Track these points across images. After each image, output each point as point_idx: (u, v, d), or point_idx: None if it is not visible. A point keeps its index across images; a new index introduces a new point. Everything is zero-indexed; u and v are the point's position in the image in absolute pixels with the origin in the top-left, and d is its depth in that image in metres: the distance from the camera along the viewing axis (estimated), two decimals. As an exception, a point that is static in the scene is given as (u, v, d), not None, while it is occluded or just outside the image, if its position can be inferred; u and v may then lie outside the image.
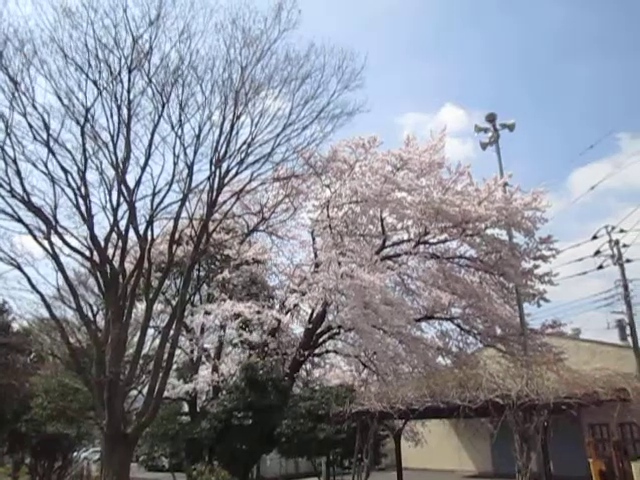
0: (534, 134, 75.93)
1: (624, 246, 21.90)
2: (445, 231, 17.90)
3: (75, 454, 24.76)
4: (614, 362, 17.95)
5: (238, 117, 14.15)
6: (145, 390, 13.84)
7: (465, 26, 78.45)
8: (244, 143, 14.31)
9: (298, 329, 20.21)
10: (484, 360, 17.92)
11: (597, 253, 21.99)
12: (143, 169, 13.34)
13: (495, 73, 78.50)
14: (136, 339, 13.97)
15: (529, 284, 18.74)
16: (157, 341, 14.61)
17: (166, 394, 16.13)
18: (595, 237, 22.20)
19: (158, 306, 18.60)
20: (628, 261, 21.95)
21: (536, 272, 18.61)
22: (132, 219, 13.41)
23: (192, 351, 18.49)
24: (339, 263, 16.35)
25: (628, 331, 22.23)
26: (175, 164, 13.71)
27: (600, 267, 22.01)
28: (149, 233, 13.73)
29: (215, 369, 17.55)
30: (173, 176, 13.68)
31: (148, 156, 13.36)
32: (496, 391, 10.90)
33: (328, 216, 17.99)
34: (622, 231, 21.68)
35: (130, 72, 12.88)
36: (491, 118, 19.78)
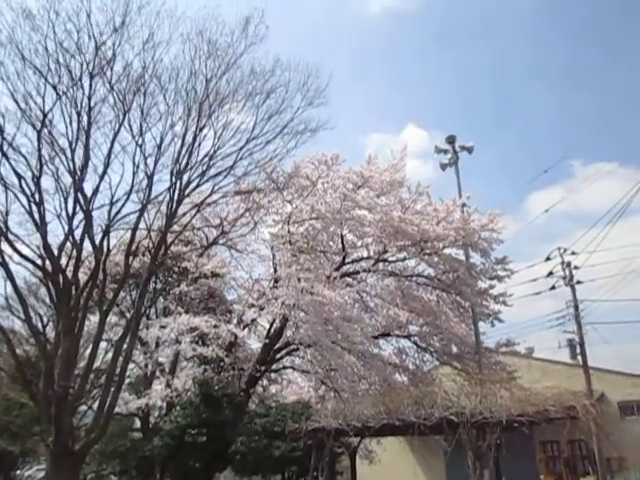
0: (494, 157, 78.07)
1: (575, 268, 22.66)
2: (404, 249, 18.10)
3: (18, 472, 23.74)
4: (564, 380, 18.39)
5: (201, 129, 14.10)
6: (95, 405, 13.43)
7: (432, 51, 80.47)
8: (206, 155, 14.24)
9: (255, 344, 20.02)
10: (440, 378, 18.10)
11: (550, 274, 22.69)
12: (101, 177, 13.11)
13: (459, 95, 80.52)
14: (88, 352, 13.57)
15: (484, 304, 19.08)
16: (110, 354, 14.24)
17: (117, 409, 15.69)
18: (548, 258, 22.95)
19: (112, 318, 18.19)
20: (579, 282, 22.71)
21: (491, 292, 18.98)
22: (88, 228, 13.11)
23: (146, 365, 18.06)
24: (299, 279, 16.30)
25: (578, 350, 22.91)
26: (135, 174, 13.54)
27: (552, 288, 22.69)
28: (105, 243, 13.45)
29: (169, 384, 17.16)
30: (132, 186, 13.48)
31: (107, 164, 13.13)
32: (451, 409, 11.00)
33: (289, 231, 17.96)
34: (574, 253, 22.45)
35: (92, 78, 12.69)
36: (451, 140, 20.22)
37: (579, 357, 22.98)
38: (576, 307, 22.39)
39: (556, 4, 75.83)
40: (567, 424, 11.00)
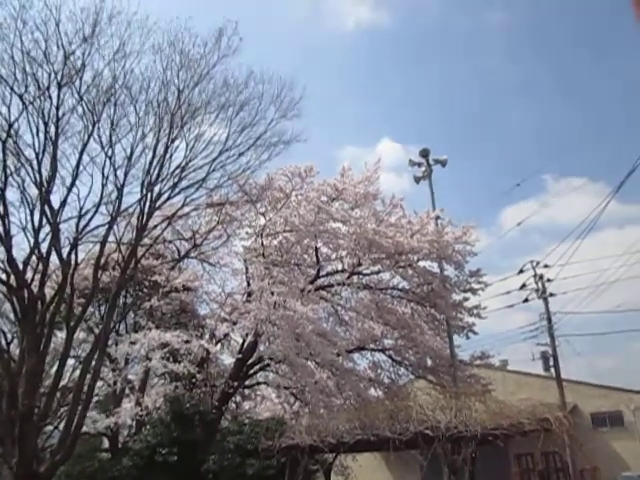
0: (470, 170, 79.27)
1: (548, 280, 23.07)
2: (378, 262, 18.19)
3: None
4: (538, 392, 18.68)
5: (173, 140, 14.02)
6: (62, 425, 13.10)
7: (408, 67, 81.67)
8: (178, 167, 14.15)
9: (228, 360, 19.85)
10: (415, 391, 18.14)
11: (523, 287, 23.05)
12: (69, 189, 12.89)
13: (435, 110, 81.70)
14: (54, 370, 13.26)
15: (459, 316, 19.22)
16: (77, 372, 13.94)
17: (85, 429, 15.33)
18: (521, 271, 23.31)
19: (80, 334, 17.82)
20: (551, 295, 23.10)
21: (466, 304, 19.13)
22: (55, 241, 12.84)
23: (115, 383, 17.73)
24: (272, 292, 16.24)
25: (551, 362, 23.23)
26: (104, 185, 13.35)
27: (526, 300, 23.04)
28: (73, 257, 13.19)
29: (139, 402, 16.86)
30: (101, 198, 13.30)
31: (75, 176, 12.93)
32: (426, 423, 11.04)
33: (262, 244, 17.91)
34: (546, 266, 22.85)
35: (60, 88, 12.52)
36: (424, 153, 20.46)
37: (552, 369, 23.31)
38: (549, 319, 22.78)
39: (529, 23, 77.90)
40: (541, 436, 11.13)
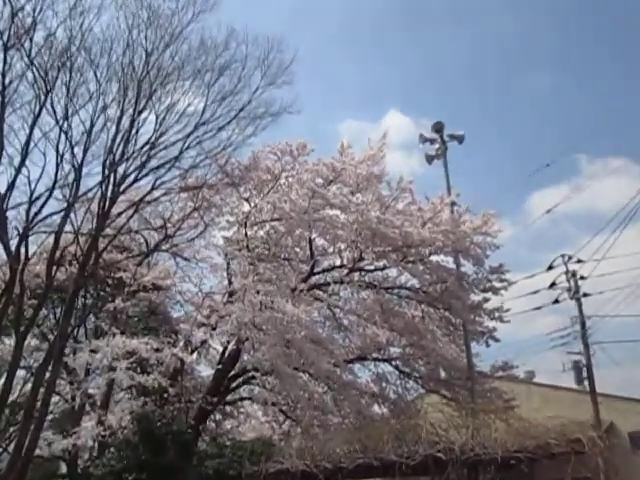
0: (487, 150, 79.03)
1: (581, 278, 23.09)
2: (383, 256, 18.22)
3: None
4: (569, 409, 18.76)
5: (140, 112, 14.05)
6: (11, 447, 13.19)
7: (421, 32, 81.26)
8: (146, 143, 14.19)
9: (206, 371, 19.93)
10: (425, 408, 18.30)
11: (553, 285, 23.07)
12: (18, 170, 12.92)
13: (450, 80, 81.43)
14: (2, 382, 13.32)
15: (478, 320, 19.31)
16: (29, 385, 14.00)
17: (38, 452, 15.41)
18: (551, 267, 23.33)
19: (31, 341, 17.86)
20: (585, 295, 23.13)
21: (486, 306, 19.19)
22: (1, 232, 12.87)
23: (73, 398, 17.78)
24: (257, 292, 16.29)
25: (585, 374, 23.37)
26: (59, 165, 13.41)
27: (556, 301, 23.09)
28: (22, 250, 13.22)
29: (101, 420, 16.91)
30: (56, 180, 13.34)
31: (25, 154, 12.98)
32: (438, 444, 11.18)
33: (246, 235, 17.92)
34: (580, 261, 22.88)
35: (6, 51, 12.53)
36: (438, 128, 20.49)
37: (586, 382, 23.46)
38: (582, 324, 22.86)
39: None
40: (572, 460, 11.26)
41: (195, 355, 18.16)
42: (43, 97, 12.98)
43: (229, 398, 19.50)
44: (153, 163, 14.38)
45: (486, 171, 76.22)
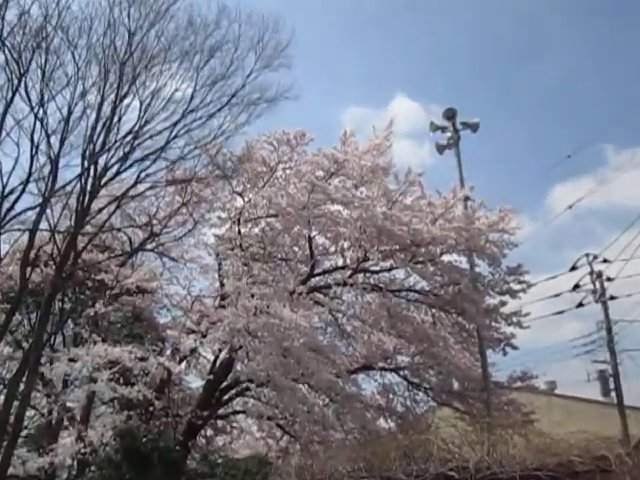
0: (504, 140, 78.85)
1: (608, 279, 23.13)
2: (390, 256, 18.24)
3: None
4: (594, 423, 18.78)
5: (122, 98, 14.08)
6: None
7: (432, 2, 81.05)
8: (129, 132, 14.21)
9: (196, 382, 19.94)
10: (436, 422, 18.30)
11: (576, 288, 23.12)
12: (-11, 162, 12.92)
13: (455, 64, 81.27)
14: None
15: (494, 325, 19.34)
16: (1, 397, 14.02)
17: (12, 470, 15.45)
18: (574, 268, 23.40)
19: (4, 349, 17.88)
20: (613, 298, 23.18)
21: (502, 310, 19.24)
22: (-30, 230, 12.91)
23: (50, 411, 17.78)
24: (252, 295, 16.32)
25: (612, 384, 23.40)
26: (34, 157, 13.41)
27: (580, 305, 23.14)
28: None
29: (81, 436, 16.95)
30: (30, 173, 13.36)
31: (-4, 145, 12.96)
32: (450, 462, 11.15)
33: (239, 233, 17.96)
34: (606, 261, 22.91)
35: (-25, 31, 12.52)
36: (450, 115, 20.51)
37: (612, 393, 23.50)
38: (609, 330, 22.91)
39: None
40: (597, 479, 11.25)
41: (184, 365, 18.20)
42: (16, 81, 13.01)
43: (221, 412, 19.50)
44: (137, 154, 14.42)
45: (502, 163, 76.16)
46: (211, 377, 17.81)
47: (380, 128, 19.07)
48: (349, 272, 18.33)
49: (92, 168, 13.94)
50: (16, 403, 13.06)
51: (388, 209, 17.78)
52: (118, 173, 14.50)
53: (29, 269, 14.01)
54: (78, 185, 13.97)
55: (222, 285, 18.16)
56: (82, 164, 13.88)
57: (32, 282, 15.27)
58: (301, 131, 18.35)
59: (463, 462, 11.00)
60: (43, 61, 13.25)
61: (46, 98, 13.42)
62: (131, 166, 14.57)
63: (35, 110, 13.37)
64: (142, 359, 16.25)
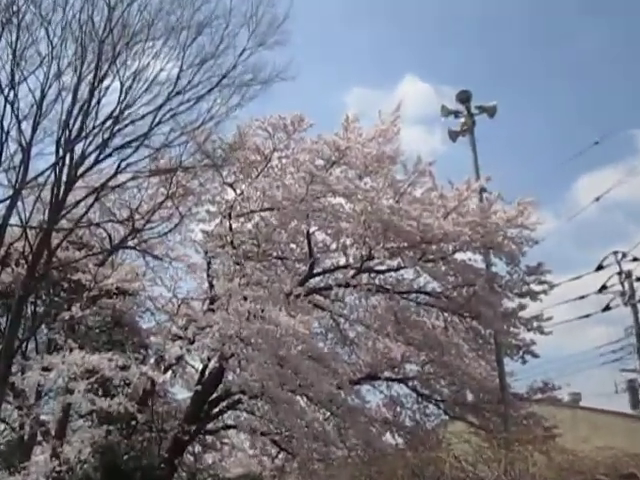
0: (523, 126, 78.65)
1: (638, 280, 23.09)
2: (397, 254, 18.22)
3: None
4: (623, 438, 18.79)
5: (101, 79, 14.04)
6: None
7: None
8: (109, 117, 14.18)
9: (183, 394, 19.92)
10: (449, 438, 18.28)
11: (603, 289, 23.08)
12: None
13: (469, 40, 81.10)
14: None
15: (512, 331, 19.33)
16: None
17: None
18: (601, 267, 23.35)
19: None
20: (643, 300, 23.13)
21: (522, 314, 19.21)
22: None
23: (22, 425, 17.76)
24: (244, 298, 16.31)
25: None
26: (3, 144, 13.37)
27: (607, 308, 23.10)
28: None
29: (56, 452, 16.96)
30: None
31: (-39, 131, 12.94)
32: (464, 481, 11.17)
33: (230, 229, 17.93)
34: (635, 260, 22.87)
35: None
36: (464, 97, 20.51)
37: (644, 405, 23.51)
38: (638, 335, 22.88)
39: None
40: (626, 500, 11.26)
41: (169, 374, 18.14)
42: (-17, 60, 13.00)
43: (210, 426, 19.51)
44: (117, 141, 14.39)
45: (522, 151, 75.86)
46: (199, 388, 17.81)
47: (387, 112, 18.98)
48: (352, 272, 18.30)
49: (68, 157, 13.92)
50: (-16, 416, 13.05)
51: (395, 202, 17.77)
52: (96, 162, 14.47)
53: (-2, 268, 14.00)
54: (52, 175, 13.95)
55: (211, 286, 18.15)
56: (57, 152, 13.86)
57: (2, 283, 15.27)
58: (299, 116, 18.30)
59: (478, 481, 11.02)
60: (14, 39, 13.24)
61: (17, 79, 13.42)
62: (111, 154, 14.54)
63: (5, 93, 13.36)
64: (123, 368, 16.24)
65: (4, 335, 14.72)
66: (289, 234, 18.76)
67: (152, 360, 18.65)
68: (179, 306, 18.98)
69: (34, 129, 13.55)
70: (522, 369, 20.00)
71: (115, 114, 14.16)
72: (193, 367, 19.21)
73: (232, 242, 17.88)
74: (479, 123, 20.35)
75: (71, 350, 16.81)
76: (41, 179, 14.22)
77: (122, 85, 14.21)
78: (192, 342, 16.68)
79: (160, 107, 14.44)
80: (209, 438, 20.89)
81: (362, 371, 19.49)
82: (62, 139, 13.80)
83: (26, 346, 18.70)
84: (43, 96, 13.62)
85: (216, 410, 18.65)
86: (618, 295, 23.19)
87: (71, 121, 13.83)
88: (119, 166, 14.88)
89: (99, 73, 13.92)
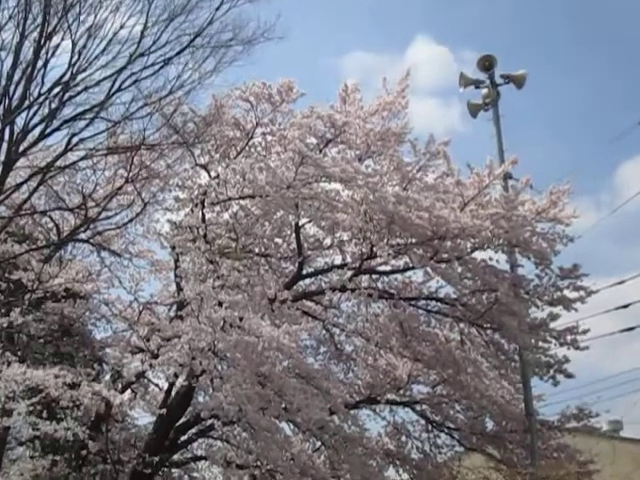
0: (559, 96, 78.43)
1: (693, 286, 23.22)
2: (404, 252, 18.27)
3: None
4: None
5: (49, 36, 14.05)
6: None
7: None
8: (58, 83, 14.22)
9: (144, 418, 19.97)
10: (464, 474, 18.41)
11: (651, 297, 23.18)
12: None
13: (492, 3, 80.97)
14: None
15: (541, 346, 19.38)
16: None
17: None
18: (649, 270, 23.41)
19: None
20: (700, 311, 23.28)
21: (553, 326, 19.25)
22: None
23: (-50, 454, 17.89)
24: (219, 303, 16.35)
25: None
26: None
27: (656, 320, 23.20)
28: None
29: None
30: None
31: None
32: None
33: (203, 219, 17.95)
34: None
35: None
36: (487, 64, 20.52)
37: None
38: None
39: None
40: None
41: (127, 394, 18.22)
42: None
43: (176, 457, 19.59)
44: (68, 112, 14.41)
45: (554, 131, 75.79)
46: (164, 412, 17.83)
47: (393, 81, 19.02)
48: (349, 273, 18.34)
49: (7, 130, 13.94)
50: None
51: (402, 189, 17.79)
52: (42, 137, 14.50)
53: None
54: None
55: (180, 289, 18.16)
56: (-6, 124, 13.90)
57: None
58: (287, 83, 18.31)
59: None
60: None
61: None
62: (60, 128, 14.56)
63: None
64: (72, 386, 16.29)
65: None
66: (274, 226, 18.83)
67: (107, 377, 18.70)
68: (141, 312, 19.02)
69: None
70: (553, 392, 20.07)
71: (65, 79, 14.19)
72: (157, 386, 19.32)
73: (205, 235, 17.90)
74: (504, 95, 20.41)
75: (9, 364, 16.83)
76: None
77: (74, 44, 14.24)
78: (156, 356, 16.71)
79: (120, 71, 14.49)
80: (175, 472, 21.01)
81: (360, 392, 19.57)
82: (1, 108, 13.83)
83: (-45, 358, 18.78)
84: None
85: (184, 438, 18.72)
86: (669, 304, 23.30)
87: (11, 87, 13.86)
88: (70, 142, 14.90)
89: (46, 29, 13.94)
